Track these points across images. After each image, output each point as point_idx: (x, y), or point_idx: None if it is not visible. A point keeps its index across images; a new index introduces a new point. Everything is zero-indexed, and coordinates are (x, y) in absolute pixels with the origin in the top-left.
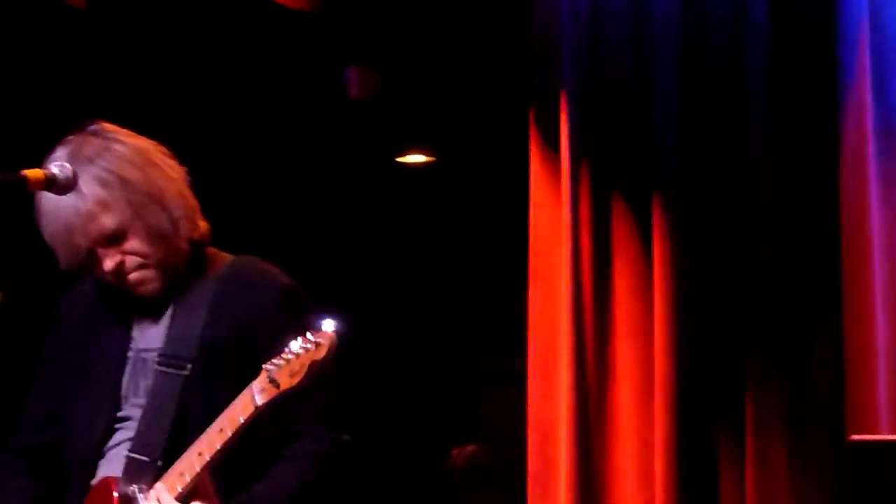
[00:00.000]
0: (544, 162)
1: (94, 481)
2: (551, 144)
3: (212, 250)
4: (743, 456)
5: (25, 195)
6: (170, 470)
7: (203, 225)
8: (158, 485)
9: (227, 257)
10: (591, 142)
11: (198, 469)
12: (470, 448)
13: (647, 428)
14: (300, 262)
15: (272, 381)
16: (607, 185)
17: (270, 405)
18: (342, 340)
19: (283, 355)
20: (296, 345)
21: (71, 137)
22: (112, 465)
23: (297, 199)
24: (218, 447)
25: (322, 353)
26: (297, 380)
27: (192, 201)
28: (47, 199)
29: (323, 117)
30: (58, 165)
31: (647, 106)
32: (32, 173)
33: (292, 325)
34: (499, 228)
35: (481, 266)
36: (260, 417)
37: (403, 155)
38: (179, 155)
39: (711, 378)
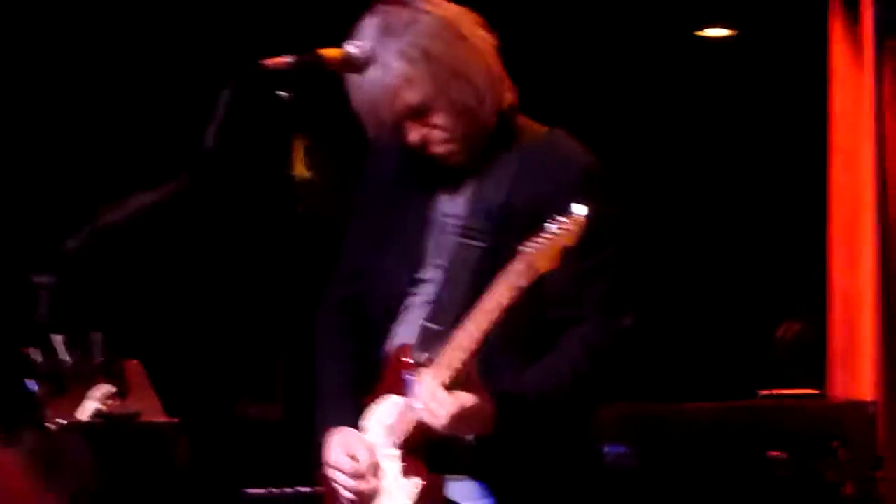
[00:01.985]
0: (846, 35)
1: (389, 346)
2: (852, 17)
3: (522, 120)
4: None
5: (323, 74)
6: (436, 360)
7: (510, 96)
8: (423, 373)
9: (536, 129)
10: (895, 15)
11: (465, 357)
12: (797, 325)
13: None
14: (598, 137)
15: (529, 264)
16: None
17: (529, 288)
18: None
19: (539, 238)
20: (551, 227)
21: (380, 7)
22: (407, 329)
23: (595, 74)
24: (484, 329)
25: (572, 238)
26: (552, 264)
27: (499, 72)
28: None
29: None
30: (356, 45)
31: None
32: (329, 52)
33: (589, 203)
34: (801, 102)
35: (779, 142)
36: (538, 298)
37: (702, 29)
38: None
39: None
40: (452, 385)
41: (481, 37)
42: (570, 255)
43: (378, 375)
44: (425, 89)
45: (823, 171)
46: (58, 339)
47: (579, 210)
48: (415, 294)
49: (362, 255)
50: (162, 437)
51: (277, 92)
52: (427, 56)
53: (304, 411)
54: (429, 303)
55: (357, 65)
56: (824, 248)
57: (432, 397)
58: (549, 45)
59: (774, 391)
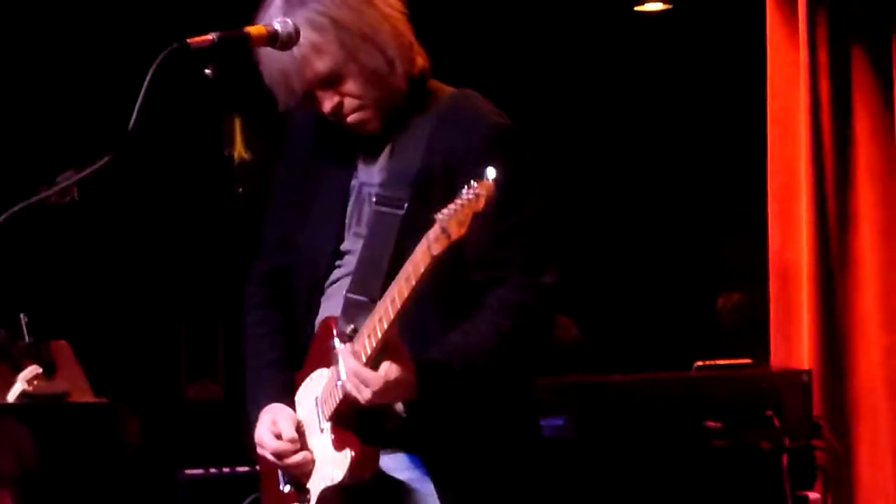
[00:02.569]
0: (780, 5)
1: (317, 319)
2: None
3: (433, 84)
4: None
5: (247, 51)
6: (359, 331)
7: (421, 60)
8: (344, 348)
9: (447, 91)
10: None
11: (386, 326)
12: (736, 296)
13: (890, 270)
14: (536, 110)
15: (444, 230)
16: (845, 26)
17: (444, 255)
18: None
19: (452, 204)
20: (463, 193)
21: None
22: (332, 302)
23: (533, 49)
24: (406, 295)
25: (481, 203)
26: (464, 229)
27: (409, 37)
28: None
29: None
30: (280, 21)
31: None
32: (255, 30)
33: (500, 166)
34: (737, 74)
35: (719, 113)
36: (461, 261)
37: (641, 3)
38: None
39: None
40: (375, 355)
41: (389, 3)
42: (487, 218)
43: (307, 349)
44: (335, 57)
45: (763, 144)
46: None
47: (489, 174)
48: (339, 266)
49: (284, 228)
50: (112, 417)
51: (203, 70)
52: (335, 23)
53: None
54: (352, 274)
55: (281, 41)
56: (764, 218)
57: (354, 373)
58: (498, 28)
59: (710, 362)
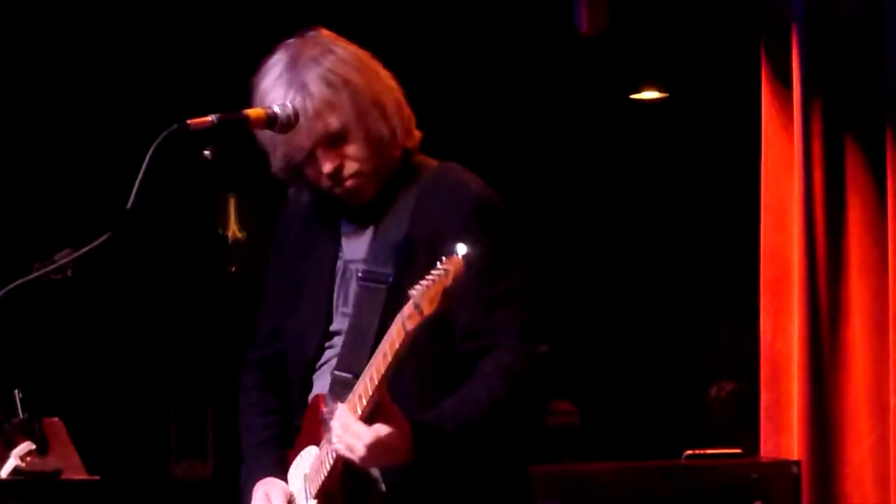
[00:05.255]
0: (776, 96)
1: (309, 397)
2: (782, 79)
3: (419, 157)
4: None
5: (247, 133)
6: (351, 392)
7: (417, 135)
8: (341, 406)
9: (432, 164)
10: (823, 76)
11: (371, 393)
12: (729, 385)
13: (880, 363)
14: (535, 197)
15: (416, 306)
16: (840, 119)
17: (418, 331)
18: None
19: (424, 280)
20: (435, 269)
21: (290, 41)
22: (322, 382)
23: (531, 137)
24: (383, 372)
25: (449, 279)
26: (435, 304)
27: (409, 111)
28: (271, 100)
29: (554, 55)
30: (280, 105)
31: (880, 40)
32: (254, 112)
33: (482, 238)
34: (731, 163)
35: (714, 200)
36: (447, 333)
37: (637, 91)
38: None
39: None
40: (366, 417)
41: (389, 76)
42: (472, 290)
43: (298, 429)
44: (345, 115)
45: (756, 233)
46: None
47: (458, 250)
48: (329, 347)
49: (276, 315)
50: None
51: (202, 152)
52: (347, 83)
53: (234, 469)
54: (338, 355)
55: (281, 124)
56: (757, 307)
57: (347, 430)
58: (494, 115)
59: (699, 451)
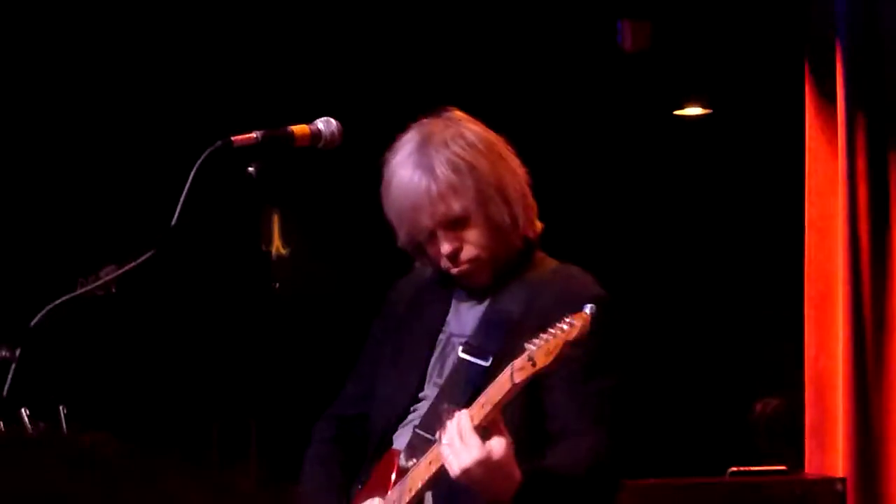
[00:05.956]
0: (820, 112)
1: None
2: (826, 94)
3: (541, 254)
4: None
5: (291, 150)
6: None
7: (539, 225)
8: (464, 411)
9: (551, 262)
10: (866, 91)
11: (490, 408)
12: (775, 401)
13: None
14: (580, 214)
15: (530, 359)
16: (884, 134)
17: (526, 383)
18: (609, 315)
19: (544, 335)
20: (557, 325)
21: (425, 120)
22: (401, 441)
23: (576, 154)
24: (477, 423)
25: (574, 333)
26: (551, 358)
27: (532, 200)
28: (399, 177)
29: (598, 72)
30: (324, 121)
31: None
32: (299, 129)
33: (595, 332)
34: (775, 179)
35: (758, 216)
36: (538, 410)
37: (681, 108)
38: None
39: None
40: (483, 428)
41: (516, 162)
42: (573, 380)
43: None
44: (467, 200)
45: (800, 249)
46: (22, 413)
47: (587, 309)
48: (414, 410)
49: (369, 378)
50: None
51: (247, 168)
52: (472, 168)
53: (276, 485)
54: (422, 416)
55: (325, 141)
56: (801, 323)
57: (461, 436)
58: (539, 129)
59: (744, 468)
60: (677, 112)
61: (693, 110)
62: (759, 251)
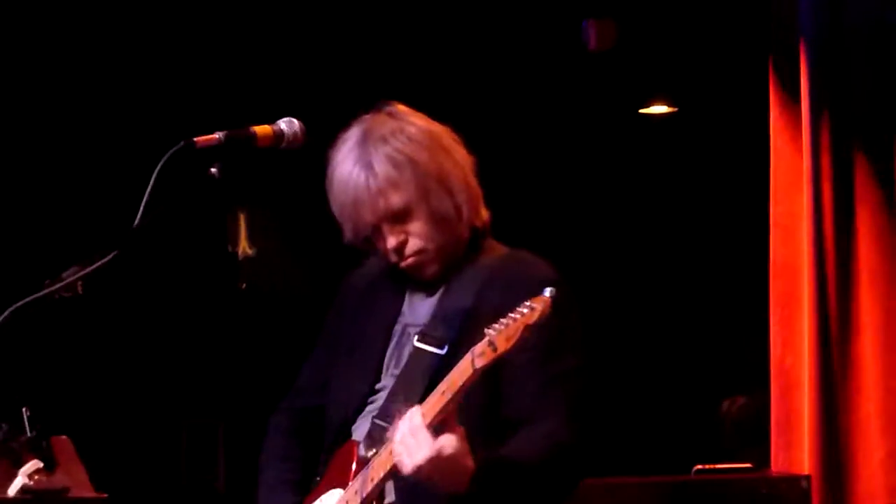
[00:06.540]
0: (784, 110)
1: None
2: (791, 93)
3: (489, 241)
4: None
5: (254, 150)
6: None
7: (485, 213)
8: (415, 408)
9: (502, 249)
10: (830, 90)
11: (440, 406)
12: (741, 400)
13: (891, 377)
14: (544, 212)
15: (491, 343)
16: (848, 133)
17: (487, 368)
18: (562, 301)
19: (504, 319)
20: (517, 309)
21: (366, 116)
22: (360, 431)
23: (540, 152)
24: (438, 410)
25: (535, 316)
26: (511, 343)
27: (477, 189)
28: (339, 174)
29: (563, 70)
30: (286, 121)
31: (887, 54)
32: (261, 129)
33: (553, 319)
34: (740, 177)
35: (723, 214)
36: (494, 395)
37: (646, 106)
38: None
39: None
40: (434, 426)
41: (460, 152)
42: (530, 366)
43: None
44: (408, 194)
45: (765, 247)
46: (23, 413)
47: (546, 292)
48: (371, 402)
49: (324, 369)
50: None
51: (210, 169)
52: (412, 162)
53: (244, 487)
54: (379, 406)
55: (287, 141)
56: (767, 322)
57: (413, 434)
58: (504, 127)
59: (710, 466)
60: (642, 110)
61: (658, 108)
62: (724, 249)
